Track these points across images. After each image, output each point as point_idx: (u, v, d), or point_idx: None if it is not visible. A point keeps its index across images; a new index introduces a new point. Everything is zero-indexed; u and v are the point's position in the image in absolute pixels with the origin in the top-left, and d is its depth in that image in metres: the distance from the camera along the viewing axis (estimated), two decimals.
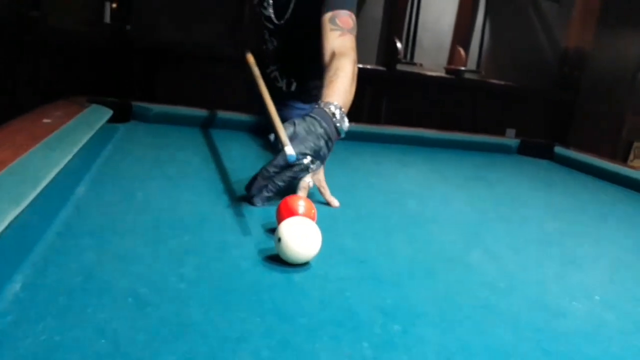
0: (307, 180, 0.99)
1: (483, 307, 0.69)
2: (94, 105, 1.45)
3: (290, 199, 0.85)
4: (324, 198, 1.04)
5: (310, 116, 1.02)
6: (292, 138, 0.97)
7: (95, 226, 0.81)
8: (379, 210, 1.08)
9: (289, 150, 0.91)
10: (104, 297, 0.60)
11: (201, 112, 1.67)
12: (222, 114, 1.67)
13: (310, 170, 0.98)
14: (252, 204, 0.94)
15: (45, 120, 1.20)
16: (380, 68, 3.63)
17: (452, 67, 3.88)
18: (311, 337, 0.57)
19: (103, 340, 0.52)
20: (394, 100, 3.58)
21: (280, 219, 0.81)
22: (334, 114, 1.04)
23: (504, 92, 3.83)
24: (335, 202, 1.03)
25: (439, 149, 1.80)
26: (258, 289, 0.66)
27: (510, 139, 1.96)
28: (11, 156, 0.87)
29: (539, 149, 1.88)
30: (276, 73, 1.68)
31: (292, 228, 0.73)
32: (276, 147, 0.96)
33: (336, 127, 1.04)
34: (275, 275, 0.71)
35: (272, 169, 0.95)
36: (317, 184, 1.03)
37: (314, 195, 1.03)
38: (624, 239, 1.09)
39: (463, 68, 3.85)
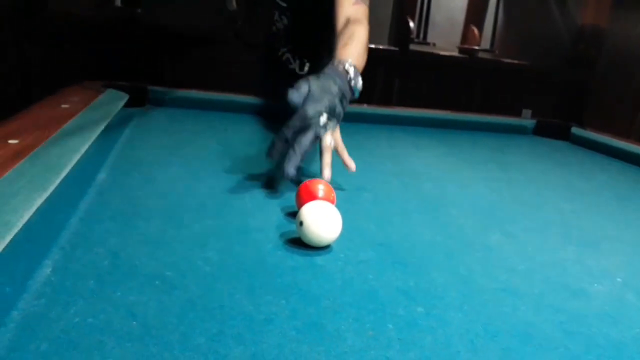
0: (328, 140, 0.96)
1: (504, 290, 0.70)
2: (109, 90, 1.46)
3: (309, 183, 0.86)
4: (342, 158, 1.01)
5: (325, 73, 0.99)
6: (307, 96, 0.92)
7: (118, 211, 0.82)
8: (396, 194, 1.08)
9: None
10: (131, 280, 0.62)
11: (215, 96, 1.67)
12: (234, 97, 1.68)
13: (327, 128, 0.94)
14: (287, 178, 0.89)
15: (63, 106, 1.21)
16: (393, 48, 3.60)
17: (466, 46, 3.84)
18: (336, 318, 0.58)
19: (134, 322, 0.53)
20: (407, 80, 3.55)
21: (300, 203, 0.82)
22: (347, 72, 1.01)
23: (518, 72, 3.78)
24: (352, 165, 1.01)
25: (453, 131, 1.79)
26: (281, 271, 0.67)
27: (526, 120, 1.94)
28: (33, 143, 0.89)
29: (556, 129, 1.86)
30: (288, 55, 1.67)
31: (313, 211, 0.73)
32: (290, 101, 0.92)
33: (350, 86, 1.01)
34: (298, 259, 0.71)
35: (288, 132, 0.90)
36: (335, 143, 1.00)
37: (336, 157, 1.00)
38: None
39: (477, 47, 3.81)
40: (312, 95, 0.92)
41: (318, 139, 0.94)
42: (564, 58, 3.83)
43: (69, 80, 1.52)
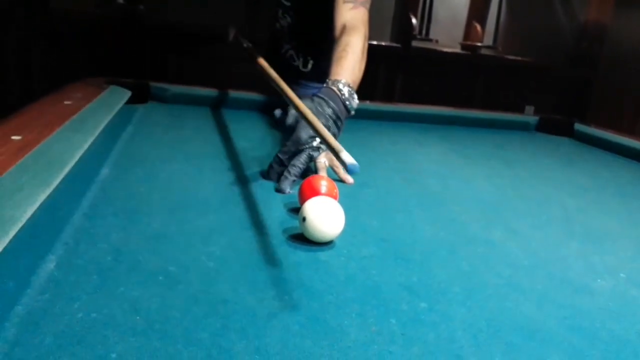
0: (322, 160, 1.02)
1: (507, 285, 0.70)
2: (112, 87, 1.46)
3: (312, 179, 0.86)
4: (338, 176, 1.04)
5: (318, 96, 1.02)
6: (300, 120, 0.97)
7: (121, 207, 0.82)
8: (399, 190, 1.08)
9: (348, 158, 0.72)
10: (134, 275, 0.62)
11: (216, 92, 1.67)
12: (236, 94, 1.67)
13: (321, 151, 1.00)
14: (280, 191, 0.94)
15: (66, 102, 1.21)
16: (395, 45, 3.58)
17: (469, 42, 3.82)
18: (339, 313, 0.58)
19: (138, 317, 0.53)
20: (409, 77, 3.54)
21: (303, 198, 0.82)
22: (342, 92, 1.04)
23: (521, 68, 3.77)
24: (349, 179, 1.04)
25: (456, 127, 1.79)
26: (284, 267, 0.67)
27: (529, 116, 1.94)
28: (36, 139, 0.89)
29: (559, 126, 1.85)
30: (292, 52, 1.66)
31: (316, 207, 0.73)
32: (282, 123, 0.97)
33: (345, 106, 1.04)
34: (301, 254, 0.71)
35: (283, 156, 0.97)
36: (329, 162, 1.04)
37: (332, 175, 1.04)
38: None
39: (479, 44, 3.79)
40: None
41: (312, 160, 1.00)
42: (567, 55, 3.81)
43: (72, 77, 1.52)
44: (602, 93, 3.73)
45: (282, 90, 1.05)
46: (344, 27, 1.23)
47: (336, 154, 0.74)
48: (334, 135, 1.01)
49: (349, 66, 1.11)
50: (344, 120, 1.04)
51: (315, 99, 1.01)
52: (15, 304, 0.53)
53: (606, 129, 1.77)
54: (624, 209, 1.12)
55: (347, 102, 1.04)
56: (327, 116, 1.00)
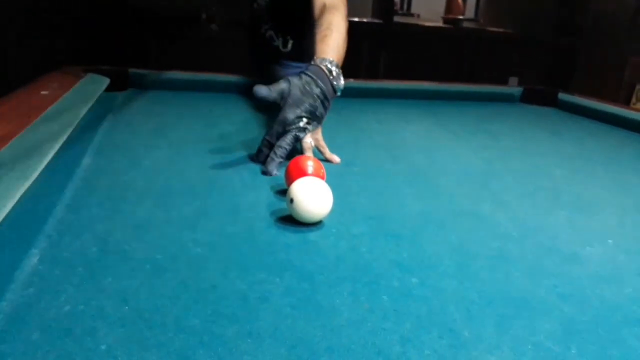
0: (308, 141, 1.01)
1: (497, 257, 0.70)
2: (90, 75, 1.43)
3: (299, 159, 0.85)
4: (324, 156, 1.04)
5: (307, 74, 1.00)
6: (287, 98, 0.95)
7: (104, 196, 0.80)
8: (386, 167, 1.07)
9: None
10: (121, 265, 0.61)
11: (197, 76, 1.64)
12: (217, 77, 1.65)
13: (307, 131, 0.98)
14: (267, 174, 0.92)
15: (42, 92, 1.18)
16: (377, 21, 3.55)
17: (450, 16, 3.80)
18: (331, 293, 0.57)
19: (126, 307, 0.52)
20: (392, 53, 3.52)
21: (290, 180, 0.81)
22: (330, 71, 1.02)
23: (503, 40, 3.76)
24: (335, 159, 1.03)
25: (441, 102, 1.78)
26: (274, 249, 0.67)
27: (513, 88, 1.93)
28: (13, 130, 0.87)
29: (543, 96, 1.85)
30: (271, 32, 1.63)
31: (303, 188, 0.73)
32: (264, 98, 0.95)
33: (333, 86, 1.02)
34: (290, 236, 0.71)
35: (271, 138, 0.96)
36: (315, 143, 1.03)
37: (318, 155, 1.03)
38: (632, 182, 1.09)
39: (461, 17, 3.77)
40: (293, 99, 0.96)
41: (298, 141, 0.98)
42: (549, 25, 3.81)
43: (48, 66, 1.48)
44: (584, 61, 3.74)
45: None
46: (323, 7, 1.20)
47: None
48: (321, 116, 1.00)
49: (334, 44, 1.09)
50: (331, 101, 1.02)
51: (304, 77, 0.99)
52: (0, 299, 0.52)
53: (589, 97, 1.77)
54: (610, 176, 1.12)
55: (335, 83, 1.02)
56: (315, 96, 0.98)
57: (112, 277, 0.58)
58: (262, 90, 0.94)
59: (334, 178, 0.88)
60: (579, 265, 0.69)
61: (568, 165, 1.19)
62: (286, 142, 0.95)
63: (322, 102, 0.99)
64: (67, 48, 2.76)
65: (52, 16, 2.81)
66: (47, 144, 0.83)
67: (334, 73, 1.02)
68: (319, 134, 1.04)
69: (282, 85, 0.96)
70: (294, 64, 1.58)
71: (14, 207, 0.61)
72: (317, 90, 0.98)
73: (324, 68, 1.02)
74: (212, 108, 1.45)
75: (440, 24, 3.80)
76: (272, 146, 0.95)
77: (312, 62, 1.04)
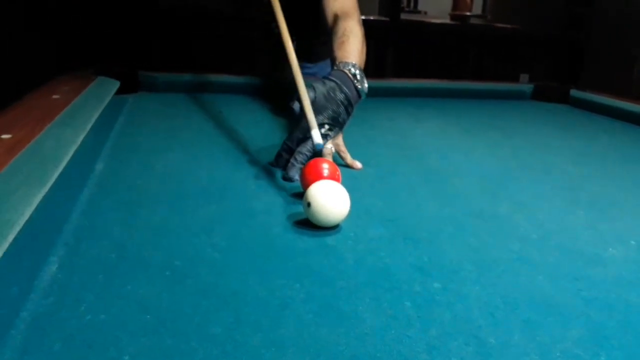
0: (328, 147, 0.98)
1: (518, 260, 0.69)
2: (100, 78, 1.42)
3: (314, 162, 0.84)
4: (345, 162, 1.02)
5: (331, 80, 0.98)
6: (311, 105, 0.93)
7: (120, 201, 0.80)
8: (400, 167, 1.06)
9: (317, 138, 0.87)
10: (141, 272, 0.60)
11: (207, 77, 1.64)
12: (228, 78, 1.64)
13: (329, 138, 0.96)
14: (288, 179, 0.90)
15: (54, 97, 1.18)
16: (383, 18, 3.53)
17: (457, 13, 3.77)
18: (352, 299, 0.57)
19: (148, 316, 0.52)
20: (399, 51, 3.50)
21: (306, 183, 0.80)
22: (355, 75, 1.00)
23: (512, 36, 3.73)
24: (357, 164, 1.02)
25: (452, 100, 1.77)
26: (293, 254, 0.66)
27: (524, 84, 1.91)
28: (27, 136, 0.86)
29: (554, 93, 1.83)
30: (278, 30, 1.63)
31: (321, 192, 0.72)
32: (299, 117, 0.93)
33: (357, 90, 1.00)
34: (307, 240, 0.70)
35: (291, 143, 0.93)
36: (336, 148, 1.02)
37: (337, 160, 1.01)
38: None
39: (468, 13, 3.75)
40: (316, 105, 0.93)
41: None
42: (557, 19, 3.77)
43: (59, 68, 1.48)
44: (593, 57, 3.70)
45: (292, 66, 0.99)
46: (335, 16, 1.19)
47: (308, 128, 0.85)
48: (344, 122, 0.99)
49: (353, 49, 1.08)
50: (355, 106, 1.01)
51: (327, 82, 0.97)
52: (20, 310, 0.52)
53: (601, 93, 1.75)
54: (627, 174, 1.11)
55: (359, 86, 1.00)
56: (339, 102, 0.96)
57: (132, 285, 0.57)
58: (297, 105, 0.93)
59: (349, 180, 0.88)
60: (602, 267, 0.68)
61: (584, 163, 1.17)
62: (307, 148, 0.92)
63: (346, 108, 0.98)
64: (72, 50, 2.76)
65: (58, 16, 2.81)
66: (62, 149, 0.83)
67: (358, 77, 1.01)
68: (339, 139, 1.03)
69: (310, 95, 0.94)
70: (303, 64, 1.57)
71: (31, 215, 0.61)
72: (341, 96, 0.97)
73: (347, 72, 1.00)
74: (221, 109, 1.44)
75: (447, 20, 3.78)
76: (292, 151, 0.93)
77: (335, 67, 1.02)
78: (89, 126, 0.99)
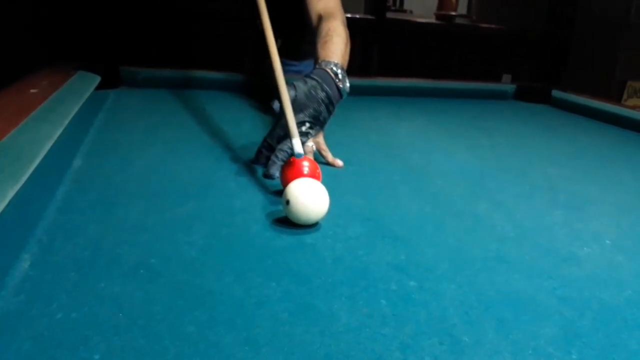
0: (309, 145, 0.98)
1: (495, 258, 0.69)
2: (80, 72, 1.40)
3: (294, 160, 0.83)
4: (327, 160, 1.02)
5: (312, 78, 0.98)
6: (292, 104, 0.93)
7: (96, 198, 0.79)
8: (382, 166, 1.07)
9: (298, 147, 0.85)
10: (114, 270, 0.59)
11: (190, 74, 1.63)
12: (211, 74, 1.63)
13: (309, 136, 0.96)
14: (268, 177, 0.89)
15: (32, 91, 1.16)
16: (369, 17, 3.53)
17: (443, 12, 3.79)
18: (329, 297, 0.57)
19: (120, 314, 0.51)
20: (385, 50, 3.50)
21: (285, 181, 0.80)
22: (336, 74, 1.00)
23: (496, 36, 3.75)
24: (338, 162, 1.02)
25: (435, 99, 1.78)
26: (270, 252, 0.66)
27: (507, 85, 1.93)
28: (2, 130, 0.85)
29: (536, 93, 1.85)
30: (262, 28, 1.62)
31: (299, 189, 0.72)
32: (280, 115, 0.92)
33: (339, 89, 1.00)
34: (286, 238, 0.70)
35: (272, 140, 0.93)
36: (317, 147, 1.02)
37: (318, 158, 1.01)
38: (627, 180, 1.09)
39: (453, 13, 3.77)
40: (297, 103, 0.93)
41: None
42: (541, 20, 3.81)
43: (37, 63, 1.45)
44: (575, 57, 3.74)
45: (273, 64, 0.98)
46: (319, 17, 1.19)
47: (289, 136, 0.85)
48: (325, 120, 0.98)
49: (336, 48, 1.07)
50: (337, 105, 1.00)
51: (309, 81, 0.97)
52: None
53: (582, 94, 1.78)
54: (605, 174, 1.12)
55: (341, 85, 1.00)
56: (320, 100, 0.96)
57: (106, 283, 0.57)
58: (277, 105, 0.92)
59: (330, 178, 0.87)
60: (577, 266, 0.68)
61: (563, 163, 1.18)
62: (288, 145, 0.91)
63: (327, 107, 0.97)
64: (57, 42, 2.71)
65: (39, 10, 2.76)
66: (37, 144, 0.82)
67: (340, 76, 1.00)
68: (320, 137, 1.03)
69: (290, 93, 0.93)
70: (288, 62, 1.56)
71: (3, 211, 0.60)
72: (322, 95, 0.96)
73: (329, 71, 1.00)
74: (204, 106, 1.43)
75: (433, 20, 3.79)
76: (273, 149, 0.92)
77: (317, 66, 1.02)
78: (66, 121, 0.97)
